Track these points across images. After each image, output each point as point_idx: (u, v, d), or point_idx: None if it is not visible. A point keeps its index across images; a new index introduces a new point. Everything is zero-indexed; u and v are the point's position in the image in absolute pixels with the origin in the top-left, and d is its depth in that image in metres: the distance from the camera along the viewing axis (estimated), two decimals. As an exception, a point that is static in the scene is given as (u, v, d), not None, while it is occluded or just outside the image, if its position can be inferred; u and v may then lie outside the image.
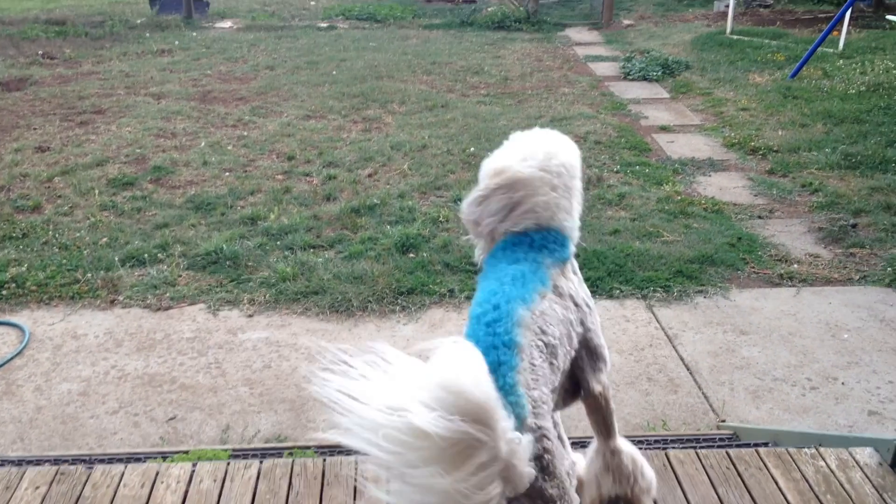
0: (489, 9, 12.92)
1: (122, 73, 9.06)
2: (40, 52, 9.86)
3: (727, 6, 11.23)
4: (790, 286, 4.31)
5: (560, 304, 1.74)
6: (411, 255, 4.79)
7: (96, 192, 5.70)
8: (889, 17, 8.36)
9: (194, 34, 11.25)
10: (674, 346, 3.76)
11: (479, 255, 1.88)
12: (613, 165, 6.17)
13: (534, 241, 1.79)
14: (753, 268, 4.49)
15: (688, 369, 3.58)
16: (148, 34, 11.15)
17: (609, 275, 4.48)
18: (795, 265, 4.52)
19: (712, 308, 4.11)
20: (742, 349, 3.72)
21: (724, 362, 3.62)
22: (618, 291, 4.32)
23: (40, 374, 3.71)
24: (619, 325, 3.99)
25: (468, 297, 4.33)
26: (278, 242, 4.97)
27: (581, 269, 4.49)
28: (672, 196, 5.53)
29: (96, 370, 3.76)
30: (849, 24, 9.30)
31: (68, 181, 5.91)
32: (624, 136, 6.82)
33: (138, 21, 11.93)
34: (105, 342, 3.99)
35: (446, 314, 4.18)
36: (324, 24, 12.02)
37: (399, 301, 4.31)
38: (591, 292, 4.37)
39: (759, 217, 5.19)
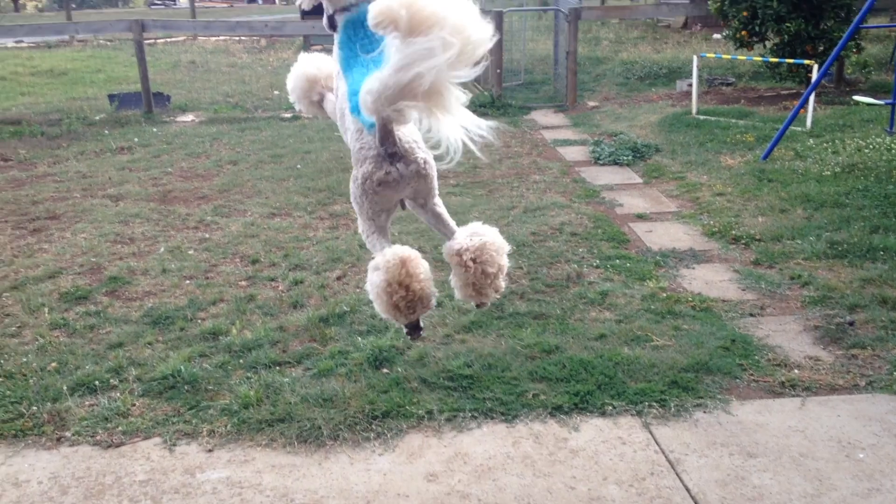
0: (454, 93, 12.89)
1: (78, 173, 8.75)
2: (-7, 155, 9.55)
3: (690, 85, 11.30)
4: (794, 395, 4.03)
5: None
6: (385, 370, 4.46)
7: (47, 309, 5.32)
8: (857, 97, 8.40)
9: (155, 129, 11.01)
10: (677, 475, 3.44)
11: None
12: (592, 259, 5.94)
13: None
14: (752, 375, 4.21)
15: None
16: (107, 131, 10.88)
17: (599, 388, 4.18)
18: (796, 370, 4.25)
19: (714, 425, 3.81)
20: (752, 476, 3.41)
21: (735, 493, 3.30)
22: (610, 408, 4.02)
23: (-29, 536, 3.29)
24: (616, 448, 3.68)
25: (448, 420, 4.00)
26: (241, 360, 4.62)
27: (567, 381, 4.18)
28: (657, 293, 5.29)
29: (36, 527, 3.35)
30: (814, 101, 9.33)
31: (17, 297, 5.53)
32: (600, 227, 6.62)
33: (97, 118, 11.68)
34: (49, 490, 3.58)
35: (426, 440, 3.84)
36: (287, 115, 11.88)
37: (373, 427, 3.96)
38: (581, 409, 4.07)
39: (751, 315, 4.94)
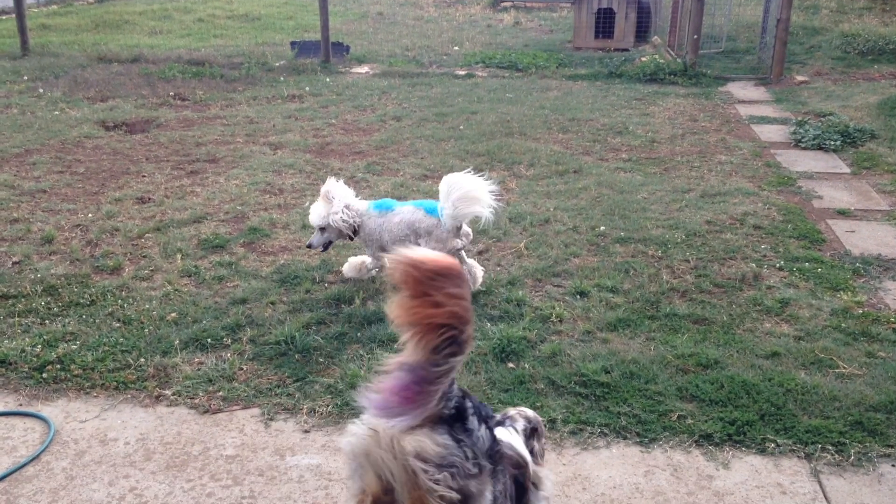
0: (643, 58, 11.92)
1: (246, 118, 8.77)
2: (172, 94, 9.79)
3: (922, 63, 9.73)
4: None
5: None
6: (511, 364, 3.93)
7: (181, 255, 5.21)
8: None
9: (328, 79, 10.93)
10: (851, 552, 2.69)
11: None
12: (776, 259, 5.06)
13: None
14: (967, 430, 3.31)
15: None
16: (282, 78, 10.93)
17: (762, 418, 3.45)
18: None
19: (906, 488, 2.99)
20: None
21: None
22: (772, 445, 3.29)
23: (48, 492, 3.12)
24: (772, 498, 2.96)
25: (573, 433, 3.43)
26: (359, 334, 4.25)
27: (724, 404, 3.47)
28: (851, 308, 4.39)
29: (111, 493, 3.13)
30: None
31: (158, 239, 5.48)
32: (791, 221, 5.68)
33: (276, 64, 11.78)
34: (133, 453, 3.37)
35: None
36: (461, 72, 11.43)
37: (486, 430, 3.45)
38: (736, 442, 3.32)
39: (972, 349, 3.96)
